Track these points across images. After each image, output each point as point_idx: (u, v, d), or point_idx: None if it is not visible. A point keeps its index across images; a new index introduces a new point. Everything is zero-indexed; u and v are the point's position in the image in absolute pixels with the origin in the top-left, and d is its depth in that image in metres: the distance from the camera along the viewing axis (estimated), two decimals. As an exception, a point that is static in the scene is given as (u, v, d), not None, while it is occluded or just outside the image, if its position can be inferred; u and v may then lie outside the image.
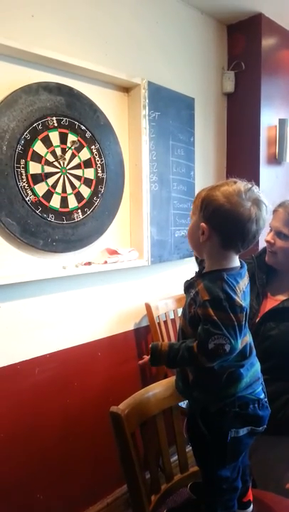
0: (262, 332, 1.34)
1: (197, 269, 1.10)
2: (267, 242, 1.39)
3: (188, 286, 1.06)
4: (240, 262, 1.05)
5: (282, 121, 2.54)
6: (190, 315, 1.00)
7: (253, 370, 1.05)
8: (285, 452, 1.37)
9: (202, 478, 1.15)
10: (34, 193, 1.62)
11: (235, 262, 1.03)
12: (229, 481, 1.07)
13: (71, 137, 1.73)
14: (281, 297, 1.39)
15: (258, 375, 1.06)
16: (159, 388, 1.31)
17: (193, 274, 1.09)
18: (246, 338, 1.02)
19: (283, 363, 1.33)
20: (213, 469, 1.07)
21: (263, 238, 1.41)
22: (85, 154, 1.79)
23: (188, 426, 1.15)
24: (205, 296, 0.95)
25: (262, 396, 1.05)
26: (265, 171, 2.54)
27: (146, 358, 1.10)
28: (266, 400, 1.06)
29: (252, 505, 1.21)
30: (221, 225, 0.97)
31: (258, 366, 1.08)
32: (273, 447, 1.37)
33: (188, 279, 1.09)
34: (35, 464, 1.71)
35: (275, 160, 2.60)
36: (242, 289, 0.99)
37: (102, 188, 1.86)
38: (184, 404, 1.29)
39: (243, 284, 1.02)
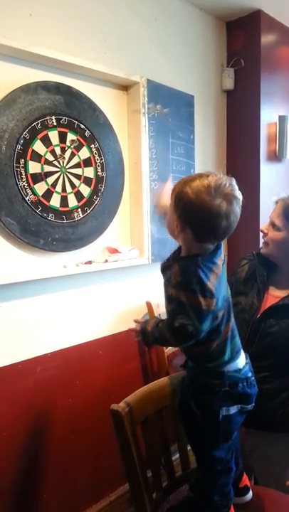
0: (262, 329, 1.35)
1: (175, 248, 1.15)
2: (261, 231, 1.41)
3: (165, 268, 1.09)
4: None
5: (282, 118, 2.53)
6: (166, 295, 1.06)
7: (235, 349, 1.09)
8: (286, 449, 1.38)
9: (197, 463, 1.16)
10: (34, 193, 1.62)
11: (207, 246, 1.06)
12: (223, 462, 1.10)
13: (70, 136, 1.73)
14: (281, 294, 1.39)
15: (239, 347, 1.11)
16: (160, 385, 1.32)
17: (170, 255, 1.13)
18: (221, 313, 1.05)
19: (283, 360, 1.33)
20: (208, 450, 1.09)
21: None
22: (84, 153, 1.79)
23: (181, 408, 1.16)
24: (177, 277, 0.99)
25: (249, 374, 1.10)
26: (266, 168, 2.54)
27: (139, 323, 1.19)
28: (253, 378, 1.10)
29: (250, 492, 1.21)
30: (191, 221, 1.00)
31: (237, 339, 1.11)
32: (274, 444, 1.37)
33: (165, 260, 1.12)
34: (37, 462, 1.72)
35: (276, 157, 2.59)
36: (219, 271, 1.02)
37: (102, 186, 1.86)
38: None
39: (220, 261, 1.04)
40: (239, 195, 1.00)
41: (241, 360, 1.11)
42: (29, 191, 1.60)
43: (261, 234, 1.43)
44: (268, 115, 2.52)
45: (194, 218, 0.99)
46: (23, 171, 1.58)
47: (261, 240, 1.45)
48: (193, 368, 1.13)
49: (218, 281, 1.01)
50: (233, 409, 1.06)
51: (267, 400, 1.31)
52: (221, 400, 1.05)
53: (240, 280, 1.47)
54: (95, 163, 1.83)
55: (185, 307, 0.96)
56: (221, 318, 1.05)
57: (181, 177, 2.18)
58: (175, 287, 0.99)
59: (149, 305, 2.06)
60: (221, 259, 1.06)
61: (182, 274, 0.99)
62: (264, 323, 1.35)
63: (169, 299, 1.03)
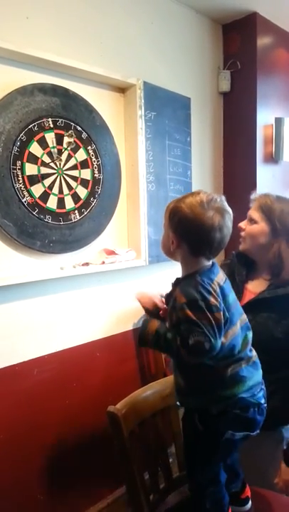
0: None
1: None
2: (239, 228, 1.42)
3: (169, 296, 1.11)
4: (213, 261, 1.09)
5: (278, 120, 2.54)
6: (174, 320, 1.03)
7: (256, 374, 1.07)
8: (270, 447, 1.38)
9: (187, 475, 1.15)
10: (31, 195, 1.62)
11: (207, 262, 1.07)
12: (211, 476, 1.08)
13: (67, 138, 1.74)
14: (257, 289, 1.40)
15: (259, 380, 1.08)
16: (157, 387, 1.32)
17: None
18: (234, 330, 1.04)
19: (263, 356, 1.33)
20: (200, 464, 1.08)
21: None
22: (81, 155, 1.79)
23: (184, 419, 1.16)
24: (182, 299, 0.99)
25: (262, 401, 1.07)
26: (262, 170, 2.54)
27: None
28: (265, 405, 1.07)
29: (250, 502, 1.21)
30: (187, 235, 1.03)
31: (260, 372, 1.10)
32: (258, 442, 1.37)
33: (168, 292, 1.13)
34: (34, 464, 1.72)
35: (272, 159, 2.60)
36: (219, 285, 1.02)
37: (98, 188, 1.86)
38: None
39: (220, 279, 1.04)
40: (229, 210, 1.04)
41: (258, 385, 1.08)
42: (26, 193, 1.60)
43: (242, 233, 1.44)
44: (265, 117, 2.53)
45: (190, 231, 1.02)
46: (19, 173, 1.58)
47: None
48: (198, 398, 1.09)
49: (221, 292, 1.01)
50: (239, 436, 1.04)
51: None
52: (229, 422, 1.02)
53: None
54: (92, 165, 1.84)
55: (198, 324, 0.95)
56: (236, 336, 1.04)
57: (178, 178, 2.21)
58: (182, 309, 0.98)
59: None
60: (221, 278, 1.06)
61: (185, 295, 0.99)
62: None
63: (178, 323, 1.00)
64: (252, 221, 1.38)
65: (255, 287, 1.42)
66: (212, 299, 0.98)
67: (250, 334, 1.10)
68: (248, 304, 1.36)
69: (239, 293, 1.40)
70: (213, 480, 1.09)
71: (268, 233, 1.35)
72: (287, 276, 1.34)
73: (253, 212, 1.38)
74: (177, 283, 1.07)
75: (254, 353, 1.11)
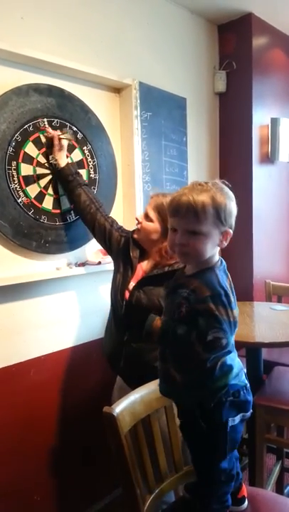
0: (135, 303, 1.51)
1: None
2: (136, 219, 1.59)
3: (177, 287, 1.06)
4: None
5: (274, 120, 2.55)
6: (182, 314, 1.00)
7: (237, 360, 1.09)
8: None
9: (198, 475, 1.15)
10: (26, 195, 1.62)
11: (217, 256, 1.06)
12: (227, 471, 1.09)
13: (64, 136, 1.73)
14: (147, 268, 1.58)
15: (240, 365, 1.10)
16: (153, 387, 1.31)
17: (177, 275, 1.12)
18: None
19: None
20: (214, 463, 1.08)
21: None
22: (77, 155, 1.79)
23: (182, 424, 1.15)
24: (206, 292, 0.96)
25: (246, 382, 1.10)
26: (258, 170, 2.55)
27: None
28: (249, 385, 1.10)
29: (246, 502, 1.21)
30: (233, 224, 1.03)
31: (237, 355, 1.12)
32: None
33: (171, 282, 1.10)
34: (31, 465, 1.71)
35: (268, 159, 2.61)
36: (230, 281, 1.02)
37: (94, 188, 1.86)
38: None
39: (229, 278, 1.04)
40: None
41: (241, 367, 1.10)
42: (21, 193, 1.60)
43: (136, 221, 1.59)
44: (260, 117, 2.54)
45: (233, 214, 1.02)
46: (15, 173, 1.58)
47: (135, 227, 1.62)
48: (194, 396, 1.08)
49: (232, 290, 1.02)
50: (238, 419, 1.06)
51: (145, 357, 1.47)
52: (228, 411, 1.04)
53: (114, 251, 1.67)
54: (88, 165, 1.83)
55: (219, 320, 0.94)
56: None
57: (174, 179, 2.21)
58: (205, 302, 0.95)
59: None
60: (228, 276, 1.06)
61: (210, 288, 0.96)
62: (135, 298, 1.51)
63: (195, 315, 0.97)
64: (148, 218, 1.53)
65: (145, 266, 1.59)
66: (231, 296, 0.98)
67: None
68: (142, 279, 1.54)
69: (132, 269, 1.58)
70: (228, 476, 1.10)
71: (160, 232, 1.51)
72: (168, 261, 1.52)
73: (150, 211, 1.53)
74: (194, 275, 1.03)
75: None
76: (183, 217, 0.97)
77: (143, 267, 1.60)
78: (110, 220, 1.70)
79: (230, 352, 1.05)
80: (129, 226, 2.05)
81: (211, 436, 1.06)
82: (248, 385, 1.10)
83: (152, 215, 1.53)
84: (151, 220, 1.53)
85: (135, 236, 1.61)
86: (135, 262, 1.60)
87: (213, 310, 0.94)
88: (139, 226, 1.57)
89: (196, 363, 1.00)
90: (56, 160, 1.66)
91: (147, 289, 1.52)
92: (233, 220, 1.01)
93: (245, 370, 1.12)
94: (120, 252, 1.66)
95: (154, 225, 1.52)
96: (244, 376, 1.10)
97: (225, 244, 1.02)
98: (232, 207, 1.00)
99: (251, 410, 1.10)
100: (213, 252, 1.02)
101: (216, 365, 1.02)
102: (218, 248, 1.04)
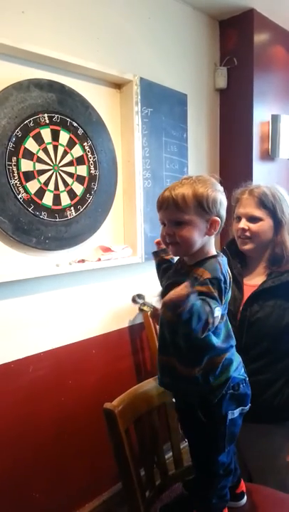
0: (248, 318, 1.36)
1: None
2: (241, 229, 1.41)
3: (180, 276, 1.07)
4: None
5: (274, 117, 2.54)
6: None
7: (236, 354, 1.11)
8: (282, 441, 1.38)
9: (196, 469, 1.16)
10: (26, 191, 1.61)
11: (213, 249, 1.09)
12: (225, 465, 1.10)
13: (63, 134, 1.73)
14: (257, 282, 1.41)
15: (239, 358, 1.12)
16: (153, 384, 1.32)
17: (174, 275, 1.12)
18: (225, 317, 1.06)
19: (272, 346, 1.34)
20: (214, 456, 1.08)
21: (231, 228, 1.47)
22: (77, 151, 1.78)
23: (181, 418, 1.16)
24: (207, 274, 0.99)
25: (245, 375, 1.11)
26: (258, 167, 2.54)
27: None
28: (248, 379, 1.11)
29: (245, 497, 1.22)
30: (223, 209, 1.05)
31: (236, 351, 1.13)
32: (270, 437, 1.37)
33: (171, 273, 1.14)
34: (30, 462, 1.71)
35: (268, 156, 2.60)
36: (230, 278, 1.04)
37: (94, 185, 1.85)
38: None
39: (229, 272, 1.06)
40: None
41: (240, 362, 1.12)
42: (21, 189, 1.59)
43: (237, 233, 1.43)
44: (261, 114, 2.53)
45: (222, 207, 1.04)
46: (15, 169, 1.57)
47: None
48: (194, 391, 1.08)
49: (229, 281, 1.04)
50: (237, 412, 1.07)
51: (263, 391, 1.32)
52: (228, 404, 1.05)
53: None
54: (88, 161, 1.83)
55: (216, 301, 0.96)
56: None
57: (175, 175, 2.20)
58: (204, 284, 0.97)
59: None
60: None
61: (211, 272, 0.99)
62: (249, 313, 1.36)
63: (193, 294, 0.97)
64: (255, 219, 1.38)
65: (252, 280, 1.43)
66: (227, 286, 1.00)
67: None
68: (253, 295, 1.37)
69: (239, 284, 1.42)
70: (226, 470, 1.11)
71: (273, 227, 1.38)
72: (285, 265, 1.37)
73: (255, 211, 1.37)
74: (194, 264, 1.05)
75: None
76: (166, 210, 1.03)
77: (247, 282, 1.44)
78: None
79: (232, 346, 1.07)
80: (128, 222, 2.05)
81: (210, 430, 1.07)
82: (247, 378, 1.11)
83: (259, 213, 1.37)
84: (260, 220, 1.37)
85: (248, 248, 1.42)
86: (240, 279, 1.44)
87: (211, 291, 0.96)
88: (248, 234, 1.39)
89: (197, 344, 1.00)
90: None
91: (267, 306, 1.36)
92: (220, 209, 1.04)
93: (242, 363, 1.13)
94: None
95: (266, 222, 1.37)
96: (243, 369, 1.11)
97: (214, 232, 1.04)
98: (217, 196, 1.02)
99: (250, 404, 1.11)
100: (203, 241, 1.04)
101: (221, 359, 1.03)
102: (212, 239, 1.05)
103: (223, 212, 1.05)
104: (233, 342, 1.08)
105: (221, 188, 1.06)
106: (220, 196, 1.04)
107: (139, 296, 2.07)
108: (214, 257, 1.05)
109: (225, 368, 1.04)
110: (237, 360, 1.09)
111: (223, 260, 1.05)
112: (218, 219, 1.03)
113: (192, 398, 1.07)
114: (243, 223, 1.40)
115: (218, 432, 1.06)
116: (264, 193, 1.38)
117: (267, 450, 1.39)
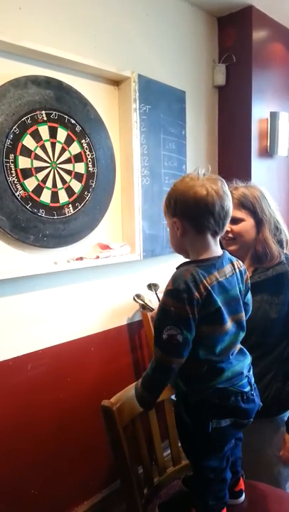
0: None
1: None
2: (226, 232, 1.42)
3: None
4: (223, 251, 1.08)
5: (273, 114, 2.54)
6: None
7: (239, 365, 1.06)
8: (272, 435, 1.39)
9: (191, 469, 1.16)
10: (24, 188, 1.61)
11: (213, 251, 1.04)
12: (217, 471, 1.07)
13: (61, 131, 1.72)
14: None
15: (241, 370, 1.06)
16: (151, 382, 1.31)
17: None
18: (223, 328, 1.02)
19: (261, 340, 1.35)
20: (199, 459, 1.08)
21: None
22: (75, 148, 1.78)
23: (175, 416, 1.16)
24: (169, 285, 0.99)
25: (247, 389, 1.04)
26: (257, 164, 2.54)
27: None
28: (253, 392, 1.06)
29: (244, 495, 1.22)
30: (186, 210, 1.01)
31: (245, 362, 1.08)
32: (260, 432, 1.38)
33: None
34: (28, 459, 1.71)
35: (267, 153, 2.60)
36: (217, 280, 1.00)
37: (93, 182, 1.85)
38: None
39: (222, 274, 1.02)
40: (221, 178, 1.04)
41: (238, 375, 1.06)
42: (19, 186, 1.59)
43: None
44: (260, 111, 2.52)
45: (187, 205, 1.00)
46: (12, 166, 1.56)
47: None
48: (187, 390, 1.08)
49: (219, 286, 0.99)
50: (225, 422, 1.02)
51: None
52: (210, 413, 1.02)
53: None
54: (86, 158, 1.82)
55: (172, 317, 0.94)
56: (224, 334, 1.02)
57: (173, 173, 2.20)
58: (165, 295, 0.98)
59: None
60: (224, 272, 1.03)
61: (173, 282, 0.98)
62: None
63: (158, 309, 1.01)
64: (237, 221, 1.40)
65: None
66: (196, 294, 0.95)
67: (242, 334, 1.08)
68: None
69: None
70: (218, 476, 1.07)
71: (255, 226, 1.41)
72: (269, 262, 1.39)
73: (235, 212, 1.38)
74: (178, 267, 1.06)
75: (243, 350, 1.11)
76: None
77: None
78: None
79: (221, 361, 1.02)
80: (127, 220, 2.05)
81: (195, 433, 1.06)
82: (251, 392, 1.05)
83: (240, 214, 1.39)
84: (242, 220, 1.40)
85: (233, 249, 1.43)
86: None
87: (168, 304, 0.95)
88: (231, 235, 1.42)
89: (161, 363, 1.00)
90: None
91: (253, 301, 1.33)
92: (186, 211, 1.01)
93: (249, 377, 1.07)
94: None
95: (248, 222, 1.40)
96: (244, 382, 1.05)
97: (178, 233, 1.03)
98: (187, 197, 1.00)
99: (251, 419, 1.06)
100: (183, 244, 1.05)
101: (204, 365, 1.01)
102: (195, 240, 1.03)
103: (185, 213, 1.02)
104: (234, 358, 1.05)
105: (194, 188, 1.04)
106: (190, 198, 1.01)
107: (138, 296, 2.06)
108: (188, 262, 1.03)
109: (212, 376, 1.01)
110: (233, 371, 1.03)
111: (203, 266, 1.00)
112: (178, 221, 1.03)
113: (178, 393, 1.09)
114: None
115: (201, 437, 1.04)
116: (243, 193, 1.41)
117: (257, 445, 1.39)
